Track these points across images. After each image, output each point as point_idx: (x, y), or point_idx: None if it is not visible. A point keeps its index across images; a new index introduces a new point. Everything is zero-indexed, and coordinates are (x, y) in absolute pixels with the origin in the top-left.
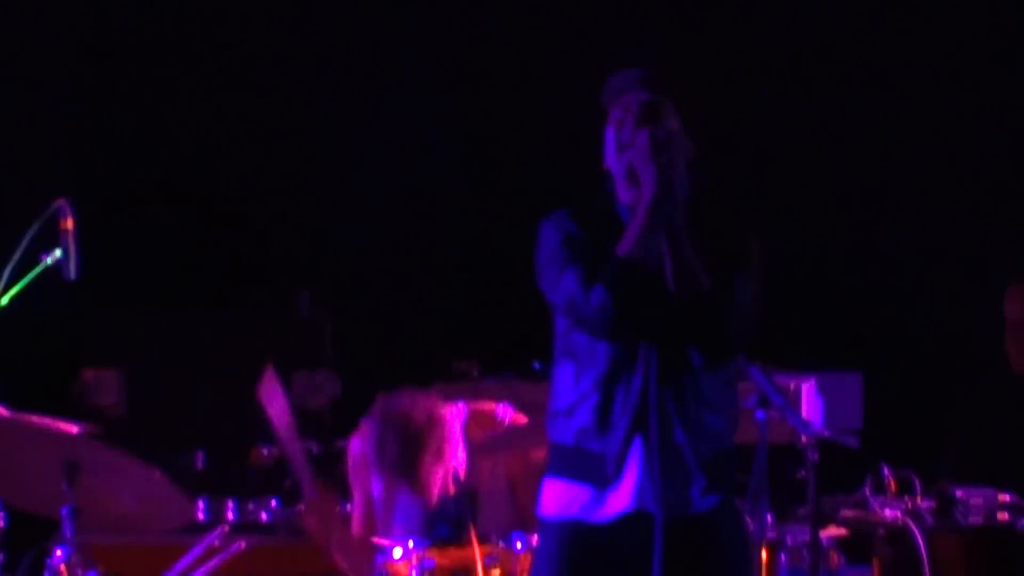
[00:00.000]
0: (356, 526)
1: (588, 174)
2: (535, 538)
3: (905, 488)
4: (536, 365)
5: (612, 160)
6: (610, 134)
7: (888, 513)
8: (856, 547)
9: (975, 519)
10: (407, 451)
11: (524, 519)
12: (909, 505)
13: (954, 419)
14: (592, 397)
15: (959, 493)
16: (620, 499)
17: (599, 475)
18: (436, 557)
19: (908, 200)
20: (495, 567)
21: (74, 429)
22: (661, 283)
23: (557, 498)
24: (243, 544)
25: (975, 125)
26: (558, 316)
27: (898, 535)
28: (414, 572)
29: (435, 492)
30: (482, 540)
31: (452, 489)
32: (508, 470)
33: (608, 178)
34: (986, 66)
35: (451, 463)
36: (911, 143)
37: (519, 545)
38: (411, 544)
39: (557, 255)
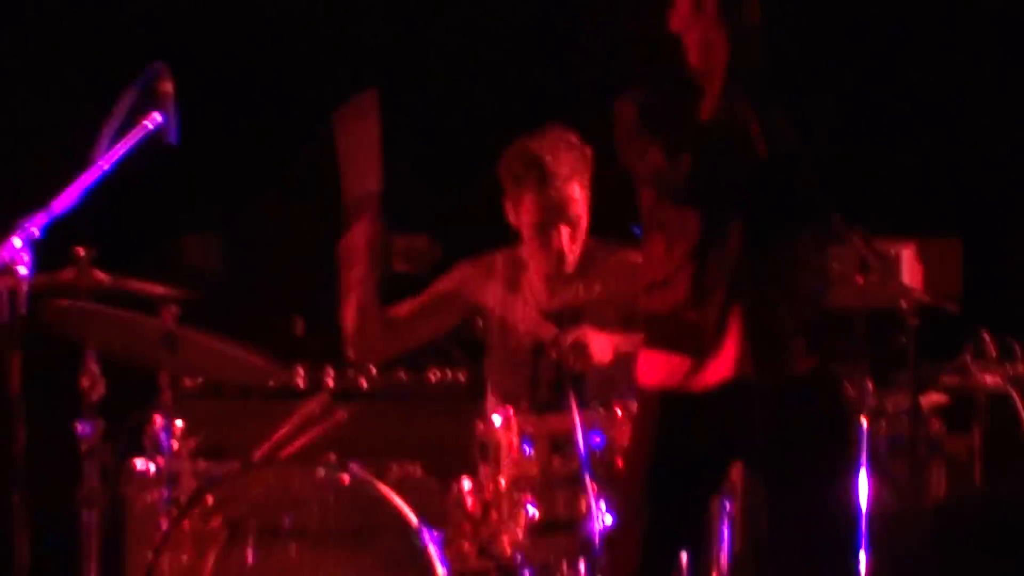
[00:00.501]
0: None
1: None
2: (635, 404)
3: (1006, 354)
4: (636, 230)
5: (681, 24)
6: None
7: (988, 379)
8: (957, 414)
9: None
10: (528, 151)
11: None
12: (1010, 371)
13: None
14: (686, 268)
15: None
16: (720, 368)
17: (698, 345)
18: (535, 424)
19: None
20: (596, 435)
21: (175, 293)
22: (748, 146)
23: (655, 368)
24: (344, 413)
25: None
26: (644, 189)
27: (999, 402)
28: (515, 438)
29: (560, 183)
30: (582, 406)
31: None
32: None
33: (674, 44)
34: None
35: (578, 184)
36: None
37: (619, 412)
38: (511, 410)
39: (637, 128)
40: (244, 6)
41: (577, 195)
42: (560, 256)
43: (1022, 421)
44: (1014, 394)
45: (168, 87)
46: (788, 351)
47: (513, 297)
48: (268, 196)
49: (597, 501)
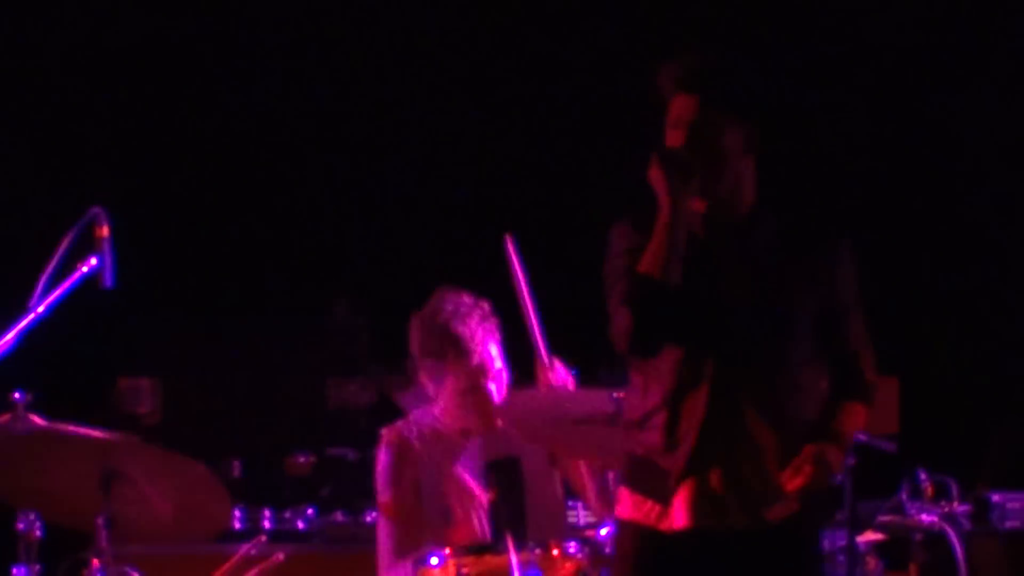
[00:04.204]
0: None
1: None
2: (572, 545)
3: (942, 493)
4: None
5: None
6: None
7: (925, 518)
8: (893, 552)
9: (1012, 523)
10: (450, 314)
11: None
12: (946, 510)
13: (994, 424)
14: (660, 413)
15: (996, 497)
16: (680, 516)
17: (663, 492)
18: (472, 564)
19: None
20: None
21: (111, 437)
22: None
23: (631, 506)
24: (281, 555)
25: None
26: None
27: (935, 540)
28: None
29: (477, 360)
30: (519, 547)
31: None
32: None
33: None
34: None
35: (494, 346)
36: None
37: (556, 552)
38: (447, 551)
39: (613, 274)
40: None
41: (495, 351)
42: (491, 412)
43: (958, 560)
44: (950, 532)
45: (104, 231)
46: (758, 502)
47: (444, 464)
48: (207, 341)
49: None
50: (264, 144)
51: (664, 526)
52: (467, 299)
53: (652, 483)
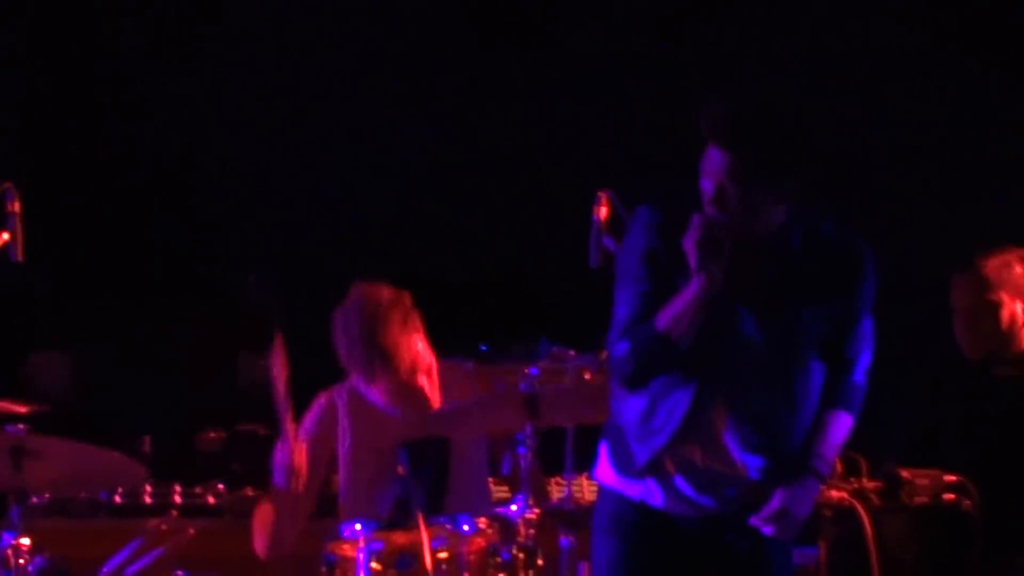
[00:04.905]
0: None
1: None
2: (482, 521)
3: (852, 470)
4: (483, 347)
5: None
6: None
7: (835, 494)
8: (803, 528)
9: (921, 499)
10: (372, 321)
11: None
12: (856, 486)
13: (905, 403)
14: (641, 400)
15: (905, 474)
16: (651, 497)
17: (632, 469)
18: (383, 539)
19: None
20: (443, 550)
21: (21, 409)
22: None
23: (608, 472)
24: (192, 530)
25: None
26: None
27: (844, 516)
28: (361, 554)
29: (406, 366)
30: (429, 522)
31: (428, 389)
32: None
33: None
34: None
35: (419, 341)
36: None
37: (466, 528)
38: (358, 527)
39: (629, 272)
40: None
41: (421, 347)
42: (425, 403)
43: (867, 535)
44: (860, 509)
45: (16, 207)
46: (731, 495)
47: (368, 437)
48: (119, 316)
49: None
50: (175, 120)
51: (637, 499)
52: (386, 295)
53: (625, 459)
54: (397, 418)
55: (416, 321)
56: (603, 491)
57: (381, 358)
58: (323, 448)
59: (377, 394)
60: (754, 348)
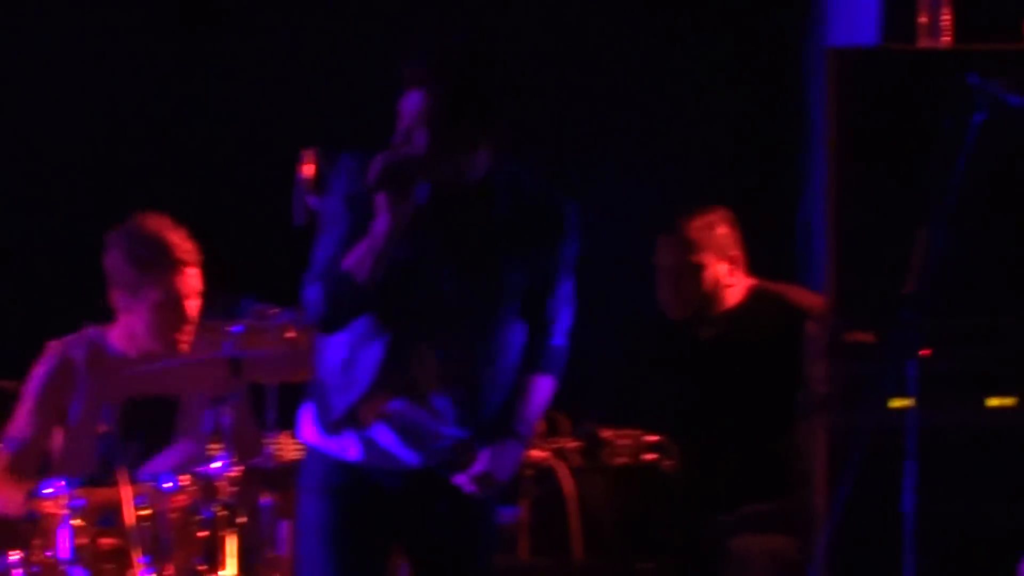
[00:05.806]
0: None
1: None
2: (185, 478)
3: (553, 430)
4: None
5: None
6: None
7: (536, 454)
8: (507, 487)
9: (621, 459)
10: (157, 237)
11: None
12: (556, 446)
13: (608, 363)
14: (342, 351)
15: (606, 434)
16: (350, 451)
17: (329, 422)
18: (86, 496)
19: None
20: (145, 507)
21: None
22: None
23: (308, 428)
24: None
25: None
26: None
27: (546, 475)
28: (63, 511)
29: (191, 271)
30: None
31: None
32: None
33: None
34: None
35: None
36: None
37: (168, 485)
38: (63, 484)
39: (329, 216)
40: None
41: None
42: (184, 333)
43: (567, 494)
44: (560, 467)
45: None
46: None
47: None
48: None
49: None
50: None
51: (335, 455)
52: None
53: (324, 413)
54: (135, 366)
55: (198, 251)
56: (307, 450)
57: (165, 255)
58: (54, 405)
59: (123, 327)
60: (451, 299)
